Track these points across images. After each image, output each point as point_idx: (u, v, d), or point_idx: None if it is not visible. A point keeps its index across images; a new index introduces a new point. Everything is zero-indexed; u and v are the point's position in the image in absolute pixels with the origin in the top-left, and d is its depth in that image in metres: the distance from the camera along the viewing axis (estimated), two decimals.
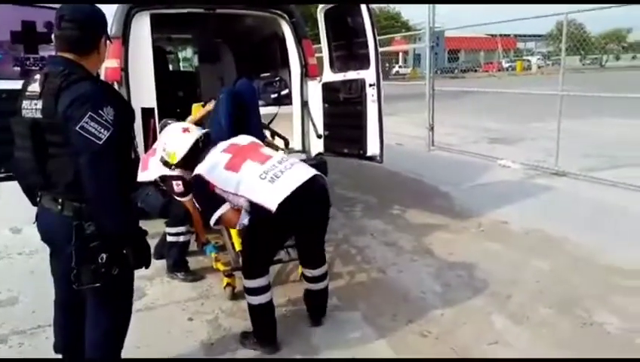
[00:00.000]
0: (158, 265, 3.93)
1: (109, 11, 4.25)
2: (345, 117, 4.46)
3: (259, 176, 2.62)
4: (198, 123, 4.33)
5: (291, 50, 4.69)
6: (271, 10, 4.62)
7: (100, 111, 1.81)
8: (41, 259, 4.17)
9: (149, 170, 3.50)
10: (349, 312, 3.20)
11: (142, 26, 4.16)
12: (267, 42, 5.26)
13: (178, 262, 3.82)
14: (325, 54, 4.77)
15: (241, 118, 3.68)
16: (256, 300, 2.77)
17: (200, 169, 2.82)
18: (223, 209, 2.75)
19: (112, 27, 4.11)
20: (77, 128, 1.79)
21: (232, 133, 3.32)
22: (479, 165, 7.16)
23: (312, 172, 2.73)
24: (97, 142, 1.80)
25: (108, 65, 4.06)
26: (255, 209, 2.65)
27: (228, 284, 3.45)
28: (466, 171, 6.83)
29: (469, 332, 2.95)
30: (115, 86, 3.98)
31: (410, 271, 3.81)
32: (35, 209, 2.27)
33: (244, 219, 2.71)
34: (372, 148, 4.24)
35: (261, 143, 3.00)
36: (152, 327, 3.09)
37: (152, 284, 3.70)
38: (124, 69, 3.98)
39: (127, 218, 1.98)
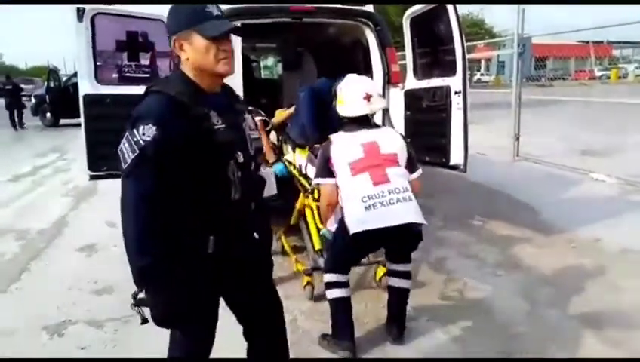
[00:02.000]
0: None
1: None
2: (428, 124, 4.39)
3: (361, 198, 2.64)
4: (281, 126, 4.47)
5: (374, 58, 4.70)
6: (356, 19, 4.66)
7: (135, 130, 1.54)
8: None
9: None
10: (427, 323, 3.13)
11: (234, 36, 4.33)
12: (350, 50, 5.30)
13: None
14: (409, 61, 4.72)
15: (322, 114, 3.78)
16: (335, 293, 2.85)
17: (335, 137, 2.88)
18: (329, 181, 2.81)
19: None
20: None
21: (314, 128, 3.39)
22: (569, 178, 6.74)
23: (410, 220, 2.64)
24: (122, 165, 1.56)
25: None
26: (341, 224, 2.78)
27: (308, 283, 3.51)
28: (554, 184, 6.46)
29: (557, 354, 2.78)
30: None
31: (494, 285, 3.66)
32: None
33: (332, 226, 2.77)
34: (456, 156, 4.13)
35: (398, 155, 2.80)
36: (234, 325, 3.19)
37: None
38: None
39: (145, 262, 1.56)
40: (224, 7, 4.33)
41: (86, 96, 4.09)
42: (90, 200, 6.47)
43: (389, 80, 4.62)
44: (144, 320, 1.66)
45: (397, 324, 2.95)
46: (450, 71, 4.14)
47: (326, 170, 2.82)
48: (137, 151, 1.52)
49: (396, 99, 4.62)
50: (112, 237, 4.86)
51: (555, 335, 2.96)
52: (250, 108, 3.77)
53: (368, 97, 2.89)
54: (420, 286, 3.66)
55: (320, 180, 2.86)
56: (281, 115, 4.61)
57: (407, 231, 2.68)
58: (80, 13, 3.91)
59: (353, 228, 2.63)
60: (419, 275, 3.85)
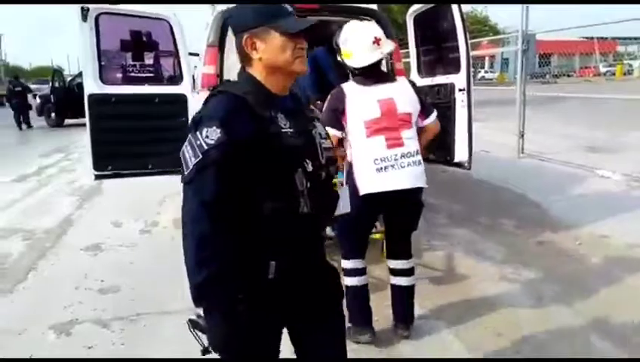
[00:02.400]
0: None
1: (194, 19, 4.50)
2: None
3: (373, 160, 2.65)
4: None
5: None
6: (360, 17, 4.63)
7: (198, 133, 1.41)
8: (141, 251, 4.52)
9: None
10: (433, 321, 3.13)
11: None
12: None
13: None
14: (413, 59, 4.71)
15: (320, 79, 3.96)
16: (353, 281, 2.85)
17: (350, 90, 2.74)
18: (335, 133, 2.67)
19: (209, 35, 4.34)
20: None
21: (315, 90, 3.85)
22: (574, 175, 6.71)
23: (418, 184, 2.72)
24: (185, 171, 1.43)
25: (205, 72, 4.30)
26: (350, 178, 2.75)
27: None
28: (559, 181, 6.43)
29: (564, 352, 2.77)
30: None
31: (499, 282, 3.66)
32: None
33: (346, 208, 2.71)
34: (460, 154, 4.11)
35: (412, 114, 2.75)
36: None
37: None
38: (220, 75, 4.17)
39: (201, 278, 1.37)
40: (224, 6, 4.36)
41: (91, 96, 4.09)
42: (95, 199, 6.49)
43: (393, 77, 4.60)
44: (205, 350, 1.45)
45: (404, 322, 2.94)
46: (454, 68, 4.12)
47: (334, 120, 2.70)
48: (200, 156, 1.38)
49: None
50: (118, 236, 4.90)
51: (563, 333, 2.95)
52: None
53: (377, 41, 2.74)
54: (426, 284, 3.65)
55: (330, 130, 2.53)
56: None
57: (414, 195, 2.74)
58: (84, 13, 3.91)
59: (364, 189, 2.65)
60: (424, 273, 3.85)
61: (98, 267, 4.15)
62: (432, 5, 4.17)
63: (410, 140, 2.71)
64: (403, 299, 2.96)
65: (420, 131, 2.86)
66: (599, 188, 6.07)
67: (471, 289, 3.58)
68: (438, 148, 4.30)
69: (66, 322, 3.22)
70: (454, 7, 3.90)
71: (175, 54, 4.33)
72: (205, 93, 4.23)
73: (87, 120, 4.13)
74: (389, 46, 2.82)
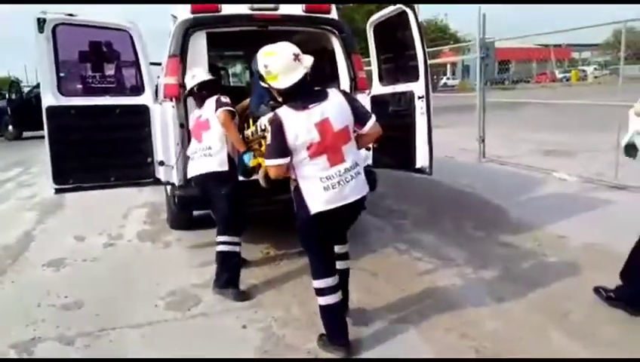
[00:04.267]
0: (211, 272, 4.06)
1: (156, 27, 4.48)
2: (394, 129, 4.42)
3: (319, 179, 2.73)
4: (245, 108, 4.44)
5: (341, 65, 4.76)
6: (321, 26, 4.72)
7: None
8: (104, 266, 4.44)
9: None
10: (401, 325, 3.19)
11: (199, 45, 4.35)
12: (317, 57, 5.31)
13: (233, 278, 3.74)
14: (374, 68, 4.81)
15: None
16: (326, 300, 2.91)
17: (286, 116, 2.71)
18: (282, 161, 2.73)
19: (171, 46, 4.33)
20: None
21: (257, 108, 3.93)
22: (533, 178, 6.97)
23: (362, 194, 2.85)
24: None
25: (167, 82, 4.28)
26: (298, 197, 2.82)
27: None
28: (519, 184, 6.66)
29: (525, 348, 2.88)
30: (173, 101, 4.19)
31: (464, 285, 3.75)
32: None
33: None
34: (421, 160, 4.22)
35: (349, 128, 2.80)
36: (207, 334, 3.19)
37: (206, 292, 3.79)
38: (183, 85, 4.17)
39: None
40: (186, 16, 4.35)
41: (49, 108, 4.01)
42: (57, 214, 6.33)
43: (356, 86, 4.68)
44: None
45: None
46: (414, 76, 4.23)
47: (280, 149, 2.72)
48: None
49: (364, 105, 4.68)
50: (81, 251, 4.80)
51: (523, 330, 3.05)
52: (217, 97, 3.86)
53: (297, 57, 2.73)
54: (390, 287, 3.73)
55: (273, 161, 2.75)
56: (242, 104, 4.59)
57: (359, 203, 2.87)
58: (41, 24, 3.84)
59: (314, 208, 2.75)
60: (390, 276, 3.93)
61: (61, 283, 4.05)
62: (391, 14, 4.27)
63: (350, 153, 2.79)
64: (343, 280, 3.08)
65: (359, 137, 2.93)
66: (556, 190, 6.32)
67: (434, 291, 3.66)
68: (400, 155, 4.42)
69: (27, 340, 3.14)
70: (410, 15, 4.00)
71: (136, 65, 4.29)
72: (168, 104, 4.22)
73: (45, 133, 4.04)
74: (308, 59, 2.79)
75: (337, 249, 3.09)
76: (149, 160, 4.25)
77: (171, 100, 4.21)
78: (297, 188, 2.82)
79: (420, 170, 4.25)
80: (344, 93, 3.00)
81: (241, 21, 4.47)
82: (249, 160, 3.72)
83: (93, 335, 3.19)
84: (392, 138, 4.46)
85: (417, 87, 4.16)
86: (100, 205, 5.88)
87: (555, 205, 5.64)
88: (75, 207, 6.31)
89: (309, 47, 5.52)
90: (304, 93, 2.74)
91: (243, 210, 3.95)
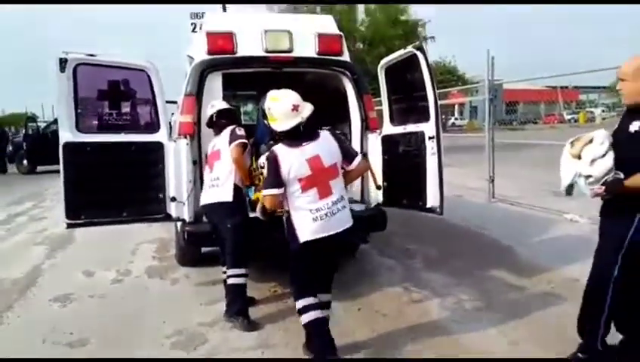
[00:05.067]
0: (219, 309, 4.03)
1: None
2: (404, 169, 4.48)
3: (309, 210, 3.05)
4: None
5: (352, 105, 4.84)
6: (333, 68, 4.83)
7: None
8: (112, 302, 4.41)
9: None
10: None
11: (214, 85, 4.47)
12: (328, 97, 5.42)
13: (243, 308, 3.84)
14: (385, 108, 4.87)
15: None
16: (309, 317, 3.13)
17: (281, 153, 3.07)
18: (277, 191, 3.08)
19: (187, 86, 4.44)
20: None
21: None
22: (544, 219, 6.90)
23: (347, 225, 3.14)
24: None
25: (182, 120, 4.36)
26: (289, 227, 3.13)
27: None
28: (530, 225, 6.60)
29: None
30: (187, 139, 4.26)
31: (476, 328, 3.67)
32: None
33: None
34: (432, 200, 4.20)
35: (337, 164, 3.16)
36: None
37: (213, 331, 3.75)
38: (197, 123, 4.24)
39: None
40: (203, 57, 4.48)
41: (66, 145, 4.08)
42: (66, 248, 6.34)
43: (367, 126, 4.75)
44: None
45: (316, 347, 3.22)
46: (424, 117, 4.27)
47: (274, 181, 3.07)
48: None
49: (374, 145, 4.72)
50: (88, 286, 4.79)
51: None
52: (233, 128, 4.02)
53: (296, 108, 3.12)
54: (400, 328, 3.67)
55: (269, 191, 3.10)
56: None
57: (344, 234, 3.13)
58: (62, 64, 3.95)
59: (303, 237, 3.06)
60: (399, 317, 3.86)
61: (67, 319, 4.02)
62: (402, 57, 4.35)
63: (337, 188, 3.14)
64: (317, 330, 3.20)
65: (347, 173, 3.29)
66: (568, 231, 6.24)
67: (445, 333, 3.59)
68: (411, 194, 4.42)
69: None
70: (421, 58, 4.07)
71: (152, 103, 4.38)
72: (182, 141, 4.30)
73: (61, 168, 4.10)
74: (307, 110, 3.17)
75: (320, 296, 3.24)
76: (161, 196, 4.28)
77: (186, 138, 4.28)
78: (289, 219, 3.13)
79: (431, 210, 4.22)
80: (334, 134, 3.34)
81: (256, 63, 4.59)
82: (252, 194, 3.96)
83: None
84: (403, 177, 4.51)
85: (428, 128, 4.19)
86: (110, 239, 5.89)
87: (567, 247, 5.54)
88: (85, 242, 6.33)
89: (321, 87, 5.66)
90: (298, 134, 3.11)
91: (250, 242, 4.00)
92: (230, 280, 3.90)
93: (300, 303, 3.16)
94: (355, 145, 4.82)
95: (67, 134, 4.10)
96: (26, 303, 4.44)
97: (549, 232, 6.27)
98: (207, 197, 4.03)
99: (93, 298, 4.51)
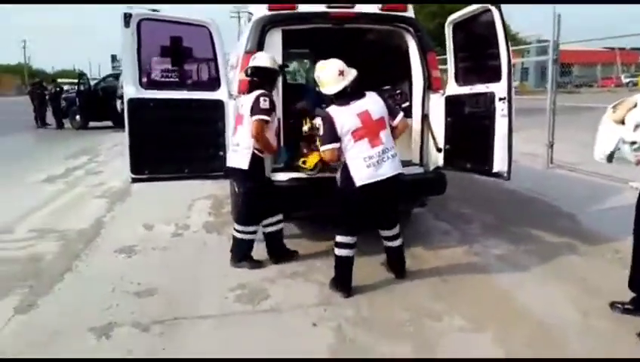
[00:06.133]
0: (280, 267, 4.09)
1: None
2: (470, 131, 4.32)
3: (363, 158, 3.49)
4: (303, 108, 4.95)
5: (415, 63, 4.66)
6: (396, 24, 4.64)
7: None
8: (174, 254, 4.53)
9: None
10: (476, 334, 3.07)
11: (274, 41, 4.37)
12: (389, 55, 5.25)
13: (246, 255, 4.21)
14: (450, 67, 4.66)
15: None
16: (343, 252, 3.64)
17: (334, 112, 3.54)
18: (334, 145, 3.54)
19: (248, 42, 4.36)
20: None
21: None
22: (606, 186, 6.59)
23: (397, 171, 3.57)
24: None
25: (242, 78, 4.31)
26: (345, 173, 3.57)
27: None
28: (591, 192, 6.33)
29: None
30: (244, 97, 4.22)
31: (541, 295, 3.58)
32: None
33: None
34: (499, 164, 4.05)
35: (384, 118, 3.60)
36: (280, 331, 3.18)
37: (275, 286, 3.81)
38: None
39: None
40: (265, 13, 4.39)
41: (131, 101, 4.12)
42: (124, 202, 6.53)
43: (430, 86, 4.57)
44: None
45: (397, 268, 3.91)
46: (495, 77, 4.06)
47: (331, 136, 3.53)
48: None
49: (437, 105, 4.56)
50: (150, 239, 4.93)
51: (609, 349, 2.87)
52: (258, 96, 3.92)
53: (342, 72, 3.58)
54: (461, 294, 3.62)
55: (327, 146, 3.56)
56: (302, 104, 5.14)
57: (397, 180, 3.56)
58: (127, 19, 3.95)
59: (359, 181, 3.48)
60: (461, 284, 3.81)
61: (132, 269, 4.16)
62: (473, 13, 4.12)
63: (387, 138, 3.58)
64: (396, 255, 3.89)
65: (392, 129, 3.69)
66: (633, 199, 5.92)
67: (510, 301, 3.52)
68: (475, 158, 4.27)
69: (105, 325, 3.22)
70: (496, 14, 3.84)
71: (214, 60, 4.35)
72: (240, 99, 4.27)
73: (126, 124, 4.16)
74: (352, 74, 3.62)
75: (386, 232, 3.84)
76: (221, 153, 4.31)
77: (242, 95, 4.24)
78: (345, 167, 3.58)
79: (497, 175, 4.08)
80: (379, 93, 3.77)
81: (317, 19, 4.46)
82: (285, 157, 4.34)
83: (167, 323, 3.25)
84: (468, 140, 4.35)
85: (499, 88, 3.99)
86: (165, 195, 5.99)
87: (633, 215, 5.29)
88: (141, 196, 6.48)
89: (381, 45, 5.47)
90: (346, 95, 3.57)
91: (259, 208, 4.21)
92: (237, 235, 4.21)
93: (340, 238, 3.64)
94: (416, 105, 4.67)
95: (131, 90, 4.14)
96: (93, 253, 4.61)
97: (613, 200, 5.99)
98: (228, 160, 4.18)
99: (156, 250, 4.64)
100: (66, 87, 20.89)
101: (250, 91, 4.04)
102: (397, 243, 3.87)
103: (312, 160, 4.35)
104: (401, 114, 3.81)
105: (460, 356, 2.85)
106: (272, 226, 4.28)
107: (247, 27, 4.73)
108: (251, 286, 3.79)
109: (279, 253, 4.31)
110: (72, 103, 17.21)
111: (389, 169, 3.50)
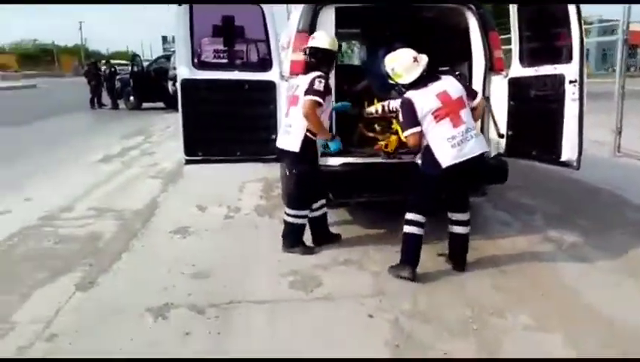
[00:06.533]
0: (333, 254, 4.01)
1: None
2: (535, 116, 4.07)
3: (446, 139, 3.41)
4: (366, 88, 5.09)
5: (475, 43, 4.41)
6: (457, 2, 4.40)
7: None
8: (226, 237, 4.54)
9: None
10: (543, 333, 2.90)
11: (327, 21, 4.24)
12: (446, 35, 5.02)
13: (298, 240, 4.14)
14: (515, 47, 4.39)
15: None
16: (412, 230, 3.58)
17: (413, 96, 3.49)
18: (416, 129, 3.48)
19: (300, 22, 4.25)
20: None
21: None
22: None
23: (482, 150, 3.50)
24: None
25: (294, 58, 4.21)
26: (429, 156, 3.49)
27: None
28: None
29: None
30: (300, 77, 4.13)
31: (612, 292, 3.36)
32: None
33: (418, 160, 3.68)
34: (568, 152, 3.80)
35: (463, 97, 3.53)
36: (333, 319, 3.11)
37: (328, 274, 3.73)
38: None
39: None
40: None
41: (184, 81, 4.11)
42: (177, 183, 6.63)
43: (492, 67, 4.33)
44: None
45: (458, 258, 3.73)
46: (564, 57, 3.80)
47: (413, 120, 3.48)
48: None
49: (499, 88, 4.32)
50: (203, 220, 4.96)
51: None
52: (314, 78, 3.79)
53: (415, 59, 3.55)
54: (525, 287, 3.45)
55: (409, 131, 3.51)
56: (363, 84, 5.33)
57: (479, 160, 3.46)
58: None
59: (444, 162, 3.40)
60: (523, 276, 3.63)
61: (187, 251, 4.20)
62: None
63: (468, 117, 3.50)
64: (460, 244, 3.72)
65: (472, 110, 3.60)
66: None
67: (579, 299, 3.31)
68: (542, 145, 4.03)
69: (162, 305, 3.24)
70: None
71: (266, 41, 4.27)
72: (296, 80, 4.18)
73: (179, 105, 4.16)
74: (424, 58, 3.58)
75: (459, 216, 3.71)
76: (273, 137, 4.25)
77: (297, 76, 4.15)
78: (428, 150, 3.49)
79: (566, 164, 3.84)
80: (454, 75, 3.84)
81: None
82: (337, 147, 4.04)
83: (222, 306, 3.24)
84: (533, 125, 4.10)
85: (569, 70, 3.72)
86: (215, 177, 5.98)
87: None
88: (193, 177, 6.53)
89: (438, 24, 5.23)
90: (423, 80, 3.51)
91: (310, 191, 4.10)
92: (289, 219, 4.12)
93: (411, 216, 3.59)
94: (477, 87, 4.43)
95: (185, 70, 4.13)
96: (148, 233, 4.68)
97: None
98: (279, 142, 4.06)
99: (209, 232, 4.67)
100: (119, 68, 21.45)
101: (306, 72, 3.92)
102: (466, 229, 3.72)
103: (393, 143, 4.24)
104: (480, 94, 3.83)
105: (529, 356, 2.69)
106: (318, 211, 4.20)
107: (299, 6, 4.61)
108: (304, 273, 3.73)
109: (324, 237, 4.26)
110: (125, 84, 17.64)
111: (473, 148, 3.42)
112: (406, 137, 3.58)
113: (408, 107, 3.48)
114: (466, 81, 4.69)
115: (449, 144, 3.38)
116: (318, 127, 3.88)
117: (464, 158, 3.37)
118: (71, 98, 20.72)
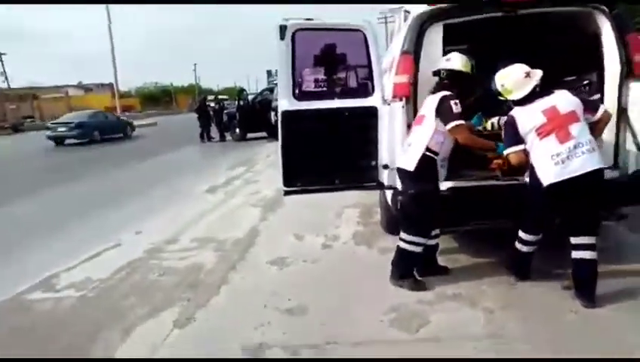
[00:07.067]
0: (440, 288, 3.65)
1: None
2: None
3: (550, 156, 3.21)
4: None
5: (608, 47, 3.88)
6: (587, 4, 3.90)
7: None
8: (324, 269, 4.35)
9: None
10: None
11: (434, 39, 3.97)
12: (572, 41, 4.45)
13: (408, 273, 3.81)
14: None
15: None
16: (524, 249, 3.63)
17: (516, 112, 3.41)
18: (519, 147, 3.38)
19: (404, 42, 4.01)
20: None
21: None
22: None
23: (593, 167, 3.14)
24: None
25: (397, 81, 3.98)
26: (533, 174, 3.36)
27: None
28: None
29: None
30: (403, 101, 3.89)
31: None
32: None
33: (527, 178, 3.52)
34: None
35: (577, 111, 3.27)
36: None
37: (434, 311, 3.37)
38: (414, 83, 3.82)
39: None
40: (425, 9, 3.99)
41: (284, 113, 4.04)
42: (276, 211, 6.61)
43: (631, 72, 3.75)
44: None
45: (585, 290, 3.28)
46: None
47: (513, 138, 3.39)
48: None
49: (639, 96, 3.72)
50: (301, 251, 4.84)
51: None
52: (445, 98, 3.60)
53: (528, 74, 3.39)
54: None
55: (511, 149, 3.42)
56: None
57: (592, 178, 3.14)
58: (282, 31, 3.88)
59: (546, 181, 3.23)
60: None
61: (284, 283, 4.07)
62: None
63: (580, 132, 3.21)
64: (587, 272, 3.28)
65: (595, 124, 3.39)
66: None
67: None
68: None
69: (256, 344, 3.11)
70: None
71: (368, 65, 4.09)
72: (397, 104, 3.93)
73: (279, 136, 4.08)
74: (538, 73, 3.40)
75: (581, 239, 3.28)
76: (374, 163, 4.03)
77: (401, 100, 3.90)
78: (532, 167, 3.36)
79: None
80: (581, 85, 3.74)
81: (486, 7, 3.94)
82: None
83: (320, 347, 3.02)
84: None
85: None
86: (314, 202, 5.85)
87: None
88: (292, 204, 6.44)
89: (561, 31, 4.63)
90: (531, 97, 3.37)
91: (429, 215, 3.74)
92: (401, 244, 3.81)
93: (523, 235, 3.61)
94: (610, 96, 3.89)
95: (285, 102, 4.06)
96: (246, 264, 4.64)
97: None
98: (398, 161, 3.85)
99: (307, 263, 4.52)
100: (226, 103, 22.68)
101: (434, 92, 3.71)
102: (590, 254, 3.26)
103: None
104: (603, 106, 3.48)
105: None
106: (432, 239, 3.88)
107: (404, 26, 4.37)
108: (408, 309, 3.42)
109: (431, 269, 3.96)
110: (232, 117, 18.55)
111: (584, 164, 3.14)
112: (507, 156, 3.46)
113: (510, 125, 3.41)
114: (595, 90, 4.14)
115: (552, 161, 3.20)
116: (483, 145, 3.80)
117: (570, 176, 3.14)
118: (184, 133, 22.21)
